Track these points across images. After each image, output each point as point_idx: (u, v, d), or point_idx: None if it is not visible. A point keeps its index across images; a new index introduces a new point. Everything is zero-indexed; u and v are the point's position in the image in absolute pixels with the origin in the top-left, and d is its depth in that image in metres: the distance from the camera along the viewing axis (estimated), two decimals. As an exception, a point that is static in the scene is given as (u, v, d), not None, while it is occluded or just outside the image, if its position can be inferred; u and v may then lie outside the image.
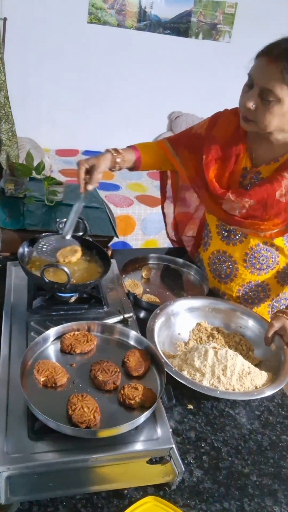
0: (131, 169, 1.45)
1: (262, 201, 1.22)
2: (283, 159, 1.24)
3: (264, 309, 1.42)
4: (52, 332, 0.98)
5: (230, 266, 1.38)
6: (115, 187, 3.43)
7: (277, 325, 1.16)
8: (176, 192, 1.67)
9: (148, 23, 3.78)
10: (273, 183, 1.21)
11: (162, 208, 1.77)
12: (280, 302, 1.42)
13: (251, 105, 1.12)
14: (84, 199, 1.25)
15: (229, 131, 1.31)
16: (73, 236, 1.29)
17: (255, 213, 1.25)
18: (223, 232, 1.38)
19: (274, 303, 1.42)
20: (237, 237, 1.35)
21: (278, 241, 1.29)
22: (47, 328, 1.00)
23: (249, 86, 1.14)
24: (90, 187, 1.23)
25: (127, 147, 1.43)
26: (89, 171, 1.24)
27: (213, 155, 1.31)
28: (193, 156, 1.40)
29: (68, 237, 1.25)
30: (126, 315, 1.13)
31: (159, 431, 0.83)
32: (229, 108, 1.36)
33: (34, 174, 1.68)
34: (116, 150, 1.34)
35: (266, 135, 1.19)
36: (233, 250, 1.37)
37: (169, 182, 1.68)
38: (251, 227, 1.27)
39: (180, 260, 1.60)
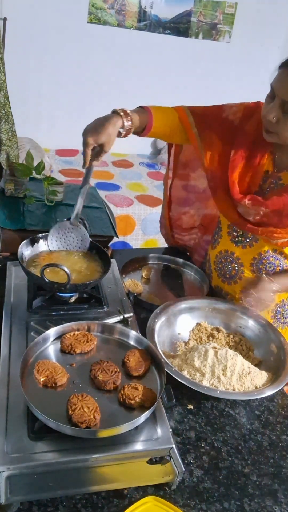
0: (138, 133, 1.27)
1: (278, 210, 1.21)
2: None
3: (267, 314, 1.40)
4: (52, 332, 0.98)
5: (236, 268, 1.37)
6: (115, 187, 3.43)
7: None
8: (176, 167, 1.57)
9: (148, 23, 3.78)
10: None
11: (166, 187, 1.63)
12: (284, 307, 1.41)
13: (272, 117, 1.11)
14: (87, 183, 1.19)
15: (259, 130, 1.26)
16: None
17: (269, 221, 1.23)
18: (234, 233, 1.36)
19: (278, 308, 1.41)
20: (247, 240, 1.32)
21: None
22: (47, 328, 1.00)
23: (271, 97, 1.12)
24: (96, 163, 1.17)
25: (138, 107, 1.26)
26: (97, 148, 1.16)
27: (242, 153, 1.26)
28: (221, 144, 1.29)
29: (73, 218, 1.23)
30: (126, 315, 1.13)
31: (159, 431, 0.83)
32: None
33: (34, 174, 1.68)
34: (124, 112, 1.17)
35: None
36: (241, 252, 1.35)
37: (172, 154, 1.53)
38: (263, 234, 1.25)
39: (180, 260, 1.60)
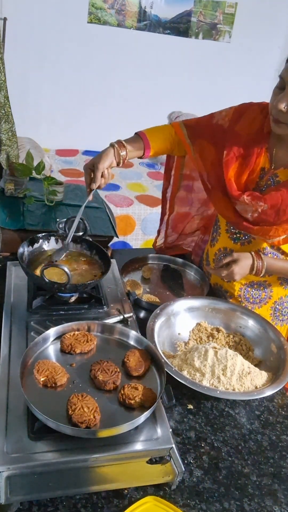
0: (141, 157, 1.37)
1: (276, 206, 1.21)
2: None
3: (266, 312, 1.41)
4: (52, 332, 0.99)
5: None
6: (115, 187, 3.42)
7: (236, 255, 1.23)
8: (178, 180, 1.61)
9: (148, 23, 3.78)
10: None
11: (163, 195, 1.66)
12: (283, 305, 1.42)
13: (283, 106, 1.10)
14: (90, 200, 1.26)
15: (253, 128, 1.27)
16: (73, 237, 1.29)
17: (267, 218, 1.23)
18: (232, 230, 1.37)
19: (277, 306, 1.41)
20: (246, 237, 1.34)
21: (285, 246, 1.28)
22: (47, 328, 1.00)
23: (280, 88, 1.12)
24: (93, 186, 1.23)
25: (135, 134, 1.36)
26: (93, 171, 1.25)
27: (235, 153, 1.27)
28: (212, 148, 1.34)
29: (69, 239, 1.24)
30: (126, 315, 1.13)
31: (159, 431, 0.83)
32: (254, 102, 1.32)
33: (34, 174, 1.68)
34: (120, 143, 1.28)
35: None
36: (240, 249, 1.35)
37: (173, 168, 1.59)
38: (259, 234, 1.26)
39: (180, 260, 1.60)
